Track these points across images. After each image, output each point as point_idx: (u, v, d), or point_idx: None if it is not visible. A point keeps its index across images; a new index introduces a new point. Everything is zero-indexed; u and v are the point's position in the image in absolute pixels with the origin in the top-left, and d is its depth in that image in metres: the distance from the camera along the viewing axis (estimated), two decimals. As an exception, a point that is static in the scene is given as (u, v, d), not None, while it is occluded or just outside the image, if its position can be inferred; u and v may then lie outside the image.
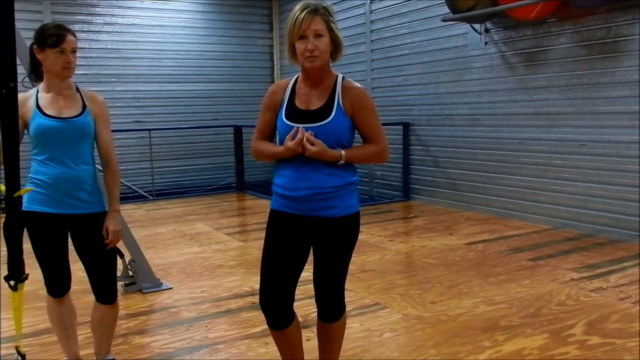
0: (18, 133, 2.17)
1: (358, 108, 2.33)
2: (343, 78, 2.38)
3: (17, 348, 2.45)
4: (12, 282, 2.30)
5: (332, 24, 2.29)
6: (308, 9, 2.24)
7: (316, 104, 2.33)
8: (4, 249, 2.28)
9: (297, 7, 2.26)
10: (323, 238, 2.37)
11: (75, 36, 2.59)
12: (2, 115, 2.08)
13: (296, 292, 2.46)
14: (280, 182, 2.39)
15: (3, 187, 2.26)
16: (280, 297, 2.41)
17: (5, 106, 2.06)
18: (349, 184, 2.37)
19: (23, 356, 2.46)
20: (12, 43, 2.00)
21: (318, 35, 2.23)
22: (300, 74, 2.41)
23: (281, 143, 2.34)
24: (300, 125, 2.29)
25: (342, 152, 2.30)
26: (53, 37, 2.49)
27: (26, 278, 2.31)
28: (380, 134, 2.38)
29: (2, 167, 2.23)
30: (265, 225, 2.47)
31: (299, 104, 2.35)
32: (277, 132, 2.41)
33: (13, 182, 2.19)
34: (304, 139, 2.24)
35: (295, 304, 2.47)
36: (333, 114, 2.29)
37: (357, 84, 2.39)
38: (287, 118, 2.34)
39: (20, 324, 2.42)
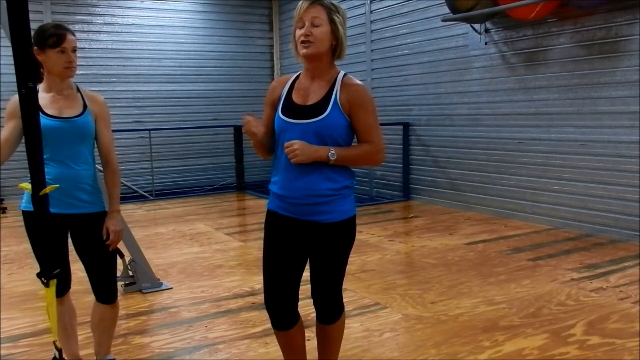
0: (40, 132, 2.15)
1: (355, 105, 2.24)
2: (345, 75, 2.31)
3: (54, 343, 2.43)
4: (43, 279, 2.29)
5: (335, 17, 2.22)
6: None
7: (313, 98, 2.27)
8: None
9: None
10: (318, 243, 2.34)
11: (74, 35, 2.58)
12: (22, 115, 2.08)
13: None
14: (275, 179, 2.36)
15: (28, 186, 2.24)
16: (284, 298, 2.41)
17: (26, 105, 2.05)
18: (343, 187, 2.31)
19: (60, 351, 2.43)
20: (28, 43, 2.00)
21: (316, 25, 2.18)
22: (303, 70, 2.37)
23: (278, 138, 2.32)
24: (296, 121, 2.25)
25: (332, 149, 2.21)
26: (53, 37, 2.48)
27: (58, 274, 2.31)
28: (376, 135, 2.28)
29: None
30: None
31: (296, 98, 2.31)
32: (275, 127, 2.36)
33: (38, 181, 2.17)
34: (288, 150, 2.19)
35: (295, 303, 2.47)
36: (328, 110, 2.22)
37: (358, 81, 2.31)
38: (283, 113, 2.30)
39: (55, 319, 2.40)
